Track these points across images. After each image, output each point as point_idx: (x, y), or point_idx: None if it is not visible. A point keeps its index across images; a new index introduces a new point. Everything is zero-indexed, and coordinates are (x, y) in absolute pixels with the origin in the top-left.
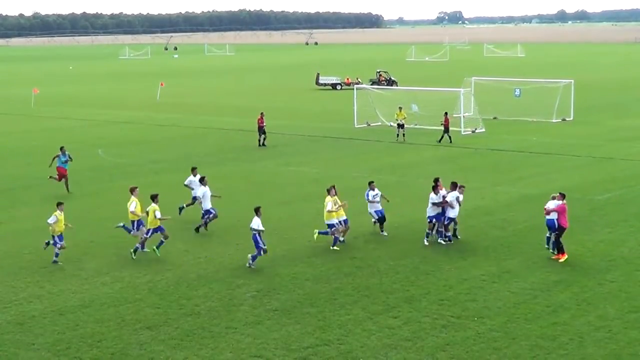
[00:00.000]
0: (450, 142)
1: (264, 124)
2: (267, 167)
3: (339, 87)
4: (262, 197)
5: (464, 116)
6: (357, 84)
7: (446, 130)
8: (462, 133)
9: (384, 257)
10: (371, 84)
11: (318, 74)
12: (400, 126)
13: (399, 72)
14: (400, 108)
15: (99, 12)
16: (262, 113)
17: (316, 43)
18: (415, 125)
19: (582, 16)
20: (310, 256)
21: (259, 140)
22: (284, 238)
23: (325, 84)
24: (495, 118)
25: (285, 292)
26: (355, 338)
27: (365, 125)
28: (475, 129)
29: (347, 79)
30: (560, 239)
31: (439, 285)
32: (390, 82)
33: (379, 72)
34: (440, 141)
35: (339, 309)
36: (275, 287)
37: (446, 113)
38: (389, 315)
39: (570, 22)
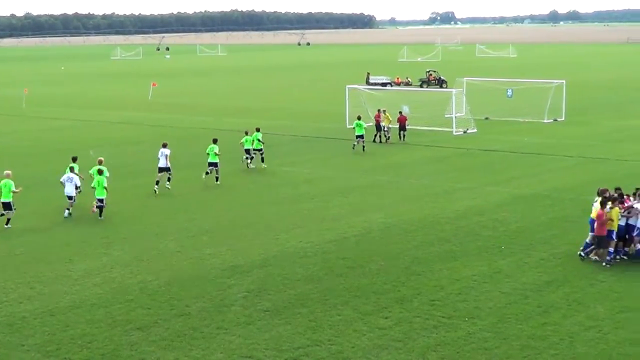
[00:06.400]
0: (394, 139)
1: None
2: (259, 167)
3: (388, 86)
4: (254, 197)
5: (455, 116)
6: (407, 83)
7: (379, 127)
8: (454, 133)
9: (375, 258)
10: (420, 84)
11: (368, 73)
12: (385, 129)
13: (391, 73)
14: (384, 111)
15: (91, 13)
16: (384, 110)
17: (308, 43)
18: (408, 126)
19: (574, 16)
20: (302, 256)
21: (401, 135)
22: (275, 238)
23: (375, 84)
24: (487, 118)
25: (277, 293)
26: (346, 338)
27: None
28: (467, 130)
29: (397, 78)
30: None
31: (430, 285)
32: (440, 82)
33: (429, 71)
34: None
35: (330, 309)
36: (266, 287)
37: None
38: (380, 316)
39: (562, 22)
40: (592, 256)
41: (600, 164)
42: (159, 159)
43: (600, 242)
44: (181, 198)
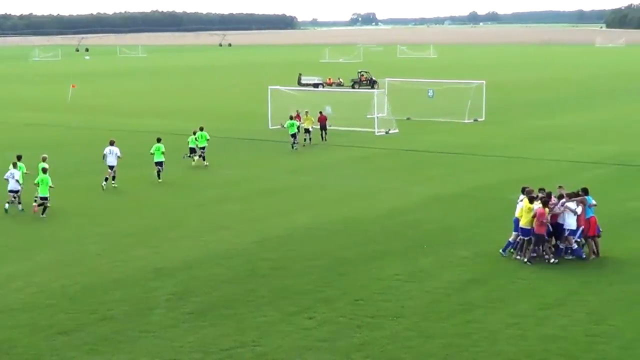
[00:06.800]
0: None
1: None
2: (180, 169)
3: (320, 87)
4: (176, 200)
5: (377, 117)
6: (339, 84)
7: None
8: (376, 134)
9: (299, 258)
10: (352, 85)
11: (300, 74)
12: (307, 131)
13: (314, 74)
14: (306, 112)
15: (8, 13)
16: (307, 112)
17: (230, 44)
18: (330, 126)
19: (493, 18)
20: (226, 258)
21: (322, 135)
22: (200, 240)
23: (307, 84)
24: (408, 119)
25: (201, 295)
26: (271, 339)
27: (280, 126)
28: (389, 130)
29: (329, 79)
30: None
31: (354, 285)
32: (372, 83)
33: (361, 72)
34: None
35: (255, 310)
36: (190, 289)
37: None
38: (304, 316)
39: (481, 23)
40: (519, 256)
41: (521, 163)
42: (106, 155)
43: (538, 240)
44: (102, 200)
